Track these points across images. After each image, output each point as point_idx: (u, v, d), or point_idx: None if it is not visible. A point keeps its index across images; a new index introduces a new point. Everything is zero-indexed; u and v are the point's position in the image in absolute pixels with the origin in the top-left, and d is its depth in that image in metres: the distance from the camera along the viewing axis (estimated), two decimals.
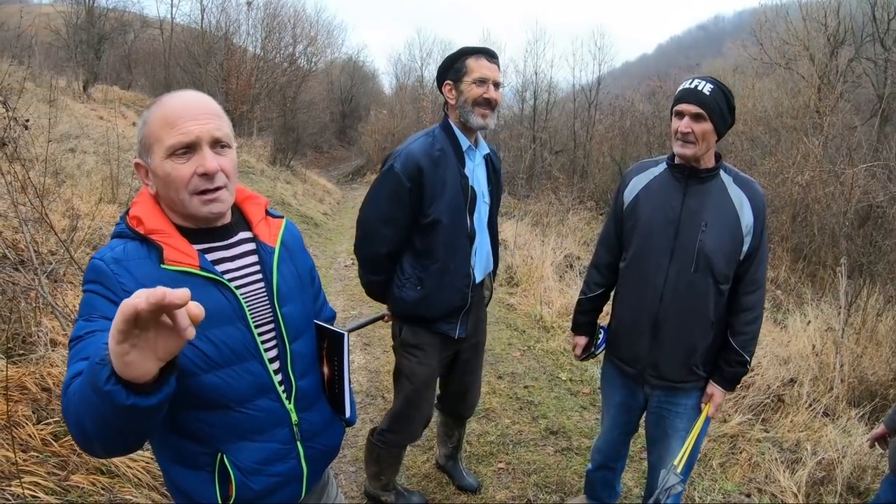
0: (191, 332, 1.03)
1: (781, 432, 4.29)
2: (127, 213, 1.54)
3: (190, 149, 1.44)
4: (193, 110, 1.46)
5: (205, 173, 1.44)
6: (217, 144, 1.48)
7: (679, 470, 2.61)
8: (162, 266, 1.45)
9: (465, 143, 2.89)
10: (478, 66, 2.80)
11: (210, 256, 1.54)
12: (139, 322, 1.00)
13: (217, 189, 1.47)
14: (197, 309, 1.04)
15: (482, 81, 2.78)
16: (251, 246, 1.64)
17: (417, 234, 2.88)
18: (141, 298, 0.97)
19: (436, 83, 3.00)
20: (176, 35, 31.22)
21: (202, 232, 1.55)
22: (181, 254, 1.47)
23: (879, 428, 2.62)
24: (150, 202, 1.53)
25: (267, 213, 1.74)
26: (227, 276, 1.54)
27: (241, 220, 1.67)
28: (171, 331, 1.04)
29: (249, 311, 1.56)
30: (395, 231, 2.85)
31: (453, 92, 2.84)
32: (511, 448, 4.20)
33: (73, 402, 1.17)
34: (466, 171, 2.89)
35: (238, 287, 1.55)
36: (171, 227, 1.51)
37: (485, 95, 2.79)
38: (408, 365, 3.09)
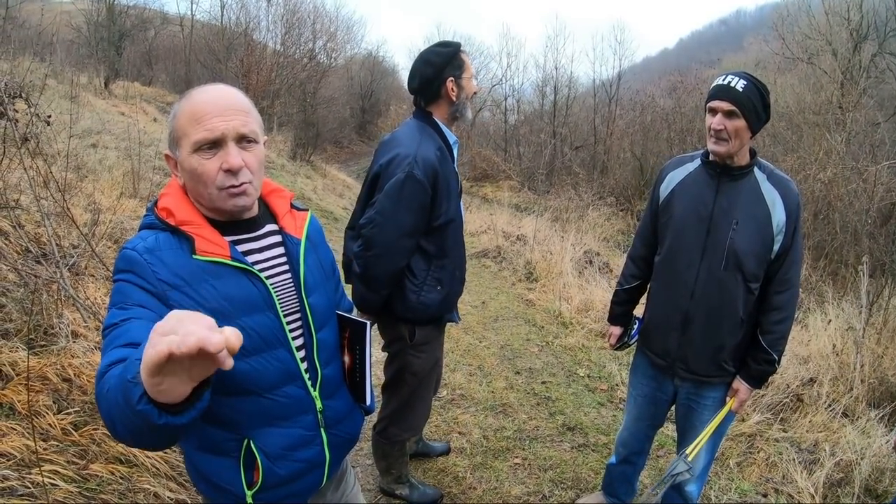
0: (229, 364, 1.00)
1: (800, 432, 4.25)
2: (155, 203, 1.56)
3: (215, 145, 1.46)
4: (220, 106, 1.48)
5: (229, 169, 1.46)
6: (243, 140, 1.50)
7: (690, 458, 2.61)
8: (194, 256, 1.47)
9: (452, 137, 2.90)
10: (469, 62, 2.86)
11: (239, 248, 1.56)
12: (173, 361, 0.96)
13: (242, 184, 1.49)
14: (235, 337, 1.00)
15: (473, 76, 2.87)
16: (277, 238, 1.67)
17: (427, 237, 2.83)
18: (175, 342, 0.92)
19: (427, 77, 2.81)
20: (196, 31, 31.46)
21: (231, 224, 1.58)
22: (212, 244, 1.50)
23: None
24: (180, 193, 1.56)
25: (292, 206, 1.76)
26: (256, 267, 1.56)
27: (266, 212, 1.70)
28: (207, 358, 0.99)
29: (278, 300, 1.59)
30: (415, 241, 2.79)
31: (455, 89, 2.82)
32: (527, 444, 4.19)
33: (106, 399, 1.17)
34: (455, 165, 2.93)
35: (267, 278, 1.57)
36: (202, 218, 1.53)
37: (475, 91, 2.90)
38: (417, 363, 3.07)
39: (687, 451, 2.64)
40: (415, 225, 2.73)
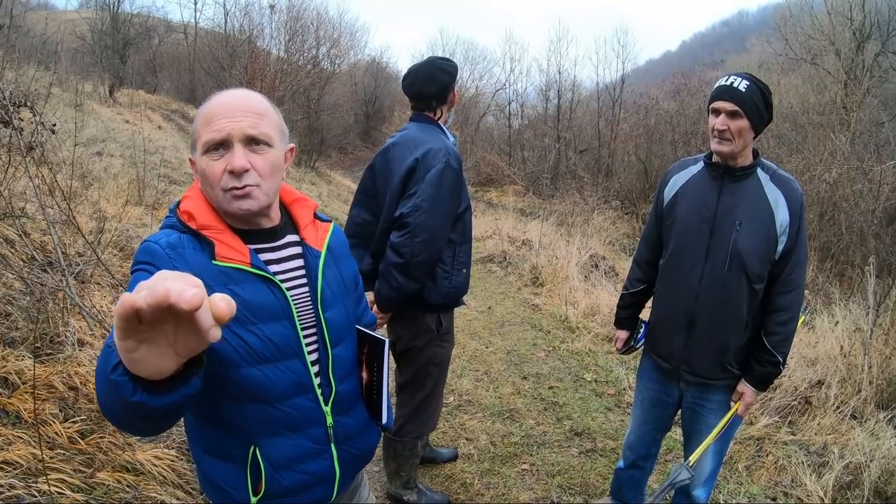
0: (214, 334, 0.88)
1: (808, 435, 4.22)
2: (177, 205, 1.56)
3: (222, 146, 1.45)
4: (231, 108, 1.47)
5: (232, 171, 1.44)
6: (252, 142, 1.47)
7: (692, 465, 2.60)
8: (213, 262, 1.46)
9: (451, 136, 3.12)
10: None
11: (260, 257, 1.55)
12: (145, 320, 0.84)
13: (245, 187, 1.46)
14: (225, 303, 0.89)
15: None
16: (297, 249, 1.65)
17: (452, 224, 3.00)
18: (141, 294, 0.81)
19: (445, 84, 3.06)
20: (200, 39, 31.64)
21: (251, 233, 1.56)
22: (233, 250, 1.48)
23: None
24: (202, 197, 1.55)
25: (315, 216, 1.73)
26: (277, 278, 1.54)
27: (289, 222, 1.68)
28: (188, 323, 0.87)
29: (296, 311, 1.57)
30: (450, 227, 2.96)
31: (455, 97, 3.15)
32: (535, 449, 4.18)
33: (98, 368, 1.11)
34: None
35: (286, 288, 1.56)
36: (223, 223, 1.52)
37: None
38: (442, 352, 3.22)
39: (689, 459, 2.63)
40: (452, 210, 2.93)
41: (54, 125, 4.83)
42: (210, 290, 1.42)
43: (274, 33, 28.89)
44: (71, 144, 5.98)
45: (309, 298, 1.62)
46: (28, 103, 4.50)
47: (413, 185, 2.85)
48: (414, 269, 2.85)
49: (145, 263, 1.43)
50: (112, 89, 20.76)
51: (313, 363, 1.62)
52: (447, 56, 3.45)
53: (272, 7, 28.36)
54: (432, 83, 3.02)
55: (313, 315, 1.62)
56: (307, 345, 1.60)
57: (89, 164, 8.47)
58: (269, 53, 27.08)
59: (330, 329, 1.64)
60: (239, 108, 1.47)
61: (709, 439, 2.65)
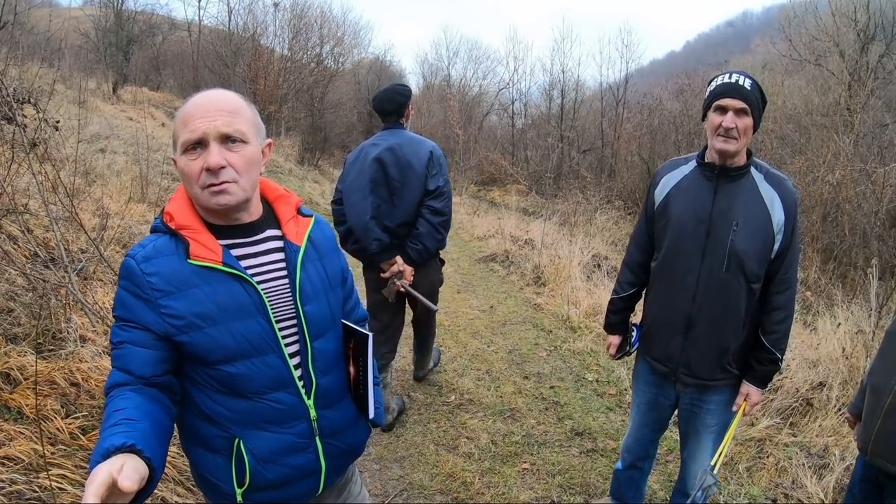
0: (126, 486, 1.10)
1: (809, 437, 4.21)
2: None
3: (199, 145, 1.50)
4: (206, 107, 1.51)
5: (208, 168, 1.48)
6: (227, 140, 1.51)
7: (716, 471, 2.59)
8: (188, 261, 1.50)
9: None
10: None
11: (234, 252, 1.57)
12: None
13: (222, 183, 1.50)
14: (125, 482, 1.11)
15: None
16: (278, 244, 1.67)
17: None
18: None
19: (402, 103, 4.08)
20: (204, 37, 31.65)
21: (228, 228, 1.59)
22: (206, 249, 1.52)
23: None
24: (184, 198, 1.59)
25: (299, 211, 1.76)
26: (249, 272, 1.56)
27: (271, 218, 1.70)
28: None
29: (271, 306, 1.59)
30: None
31: (409, 112, 4.18)
32: (536, 448, 4.18)
33: None
34: None
35: (260, 283, 1.58)
36: (199, 222, 1.56)
37: None
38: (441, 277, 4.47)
39: (712, 463, 2.62)
40: None
41: (58, 122, 4.84)
42: (182, 293, 1.51)
43: (277, 31, 28.99)
44: (74, 141, 6.01)
45: (288, 292, 1.65)
46: (31, 100, 4.51)
47: (433, 168, 3.94)
48: (448, 225, 4.07)
49: (124, 279, 1.53)
50: (115, 86, 20.83)
51: (293, 356, 1.64)
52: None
53: (276, 5, 28.44)
54: (392, 103, 4.06)
55: (293, 308, 1.64)
56: (285, 337, 1.62)
57: (92, 161, 8.50)
58: (273, 51, 27.13)
59: (309, 322, 1.66)
60: (213, 107, 1.52)
61: (725, 443, 2.63)
